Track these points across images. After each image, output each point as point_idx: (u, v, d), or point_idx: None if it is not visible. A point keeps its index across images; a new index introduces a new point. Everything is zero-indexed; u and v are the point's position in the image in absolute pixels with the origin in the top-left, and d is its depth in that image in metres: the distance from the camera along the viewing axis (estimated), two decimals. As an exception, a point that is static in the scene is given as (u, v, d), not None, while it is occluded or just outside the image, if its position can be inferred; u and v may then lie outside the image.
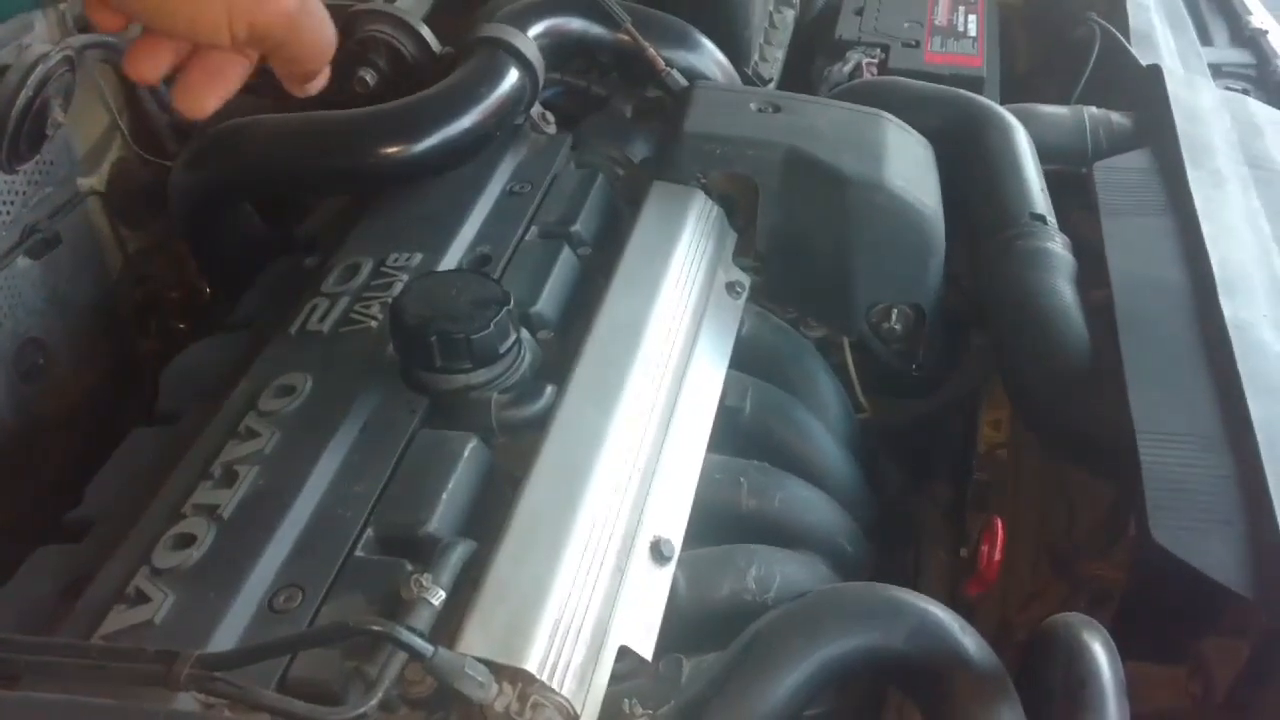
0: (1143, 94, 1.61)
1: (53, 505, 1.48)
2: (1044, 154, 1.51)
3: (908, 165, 1.39)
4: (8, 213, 1.44)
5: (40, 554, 1.05)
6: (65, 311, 1.57)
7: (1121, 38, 1.80)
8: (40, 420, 1.51)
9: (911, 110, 1.51)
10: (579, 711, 0.86)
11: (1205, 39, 2.03)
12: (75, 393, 1.58)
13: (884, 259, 1.36)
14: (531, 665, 0.85)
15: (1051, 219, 1.38)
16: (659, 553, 1.02)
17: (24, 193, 1.46)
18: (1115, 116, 1.60)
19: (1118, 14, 1.89)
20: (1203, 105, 1.56)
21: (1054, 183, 1.47)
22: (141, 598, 0.91)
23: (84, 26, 1.51)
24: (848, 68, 1.79)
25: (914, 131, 1.47)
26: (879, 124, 1.44)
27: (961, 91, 1.61)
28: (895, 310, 1.39)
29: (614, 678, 0.92)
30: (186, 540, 0.95)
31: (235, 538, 0.96)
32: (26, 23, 1.40)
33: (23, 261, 1.48)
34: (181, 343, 1.64)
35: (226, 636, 0.88)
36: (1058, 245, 1.33)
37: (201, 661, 0.80)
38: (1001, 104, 1.59)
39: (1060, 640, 0.88)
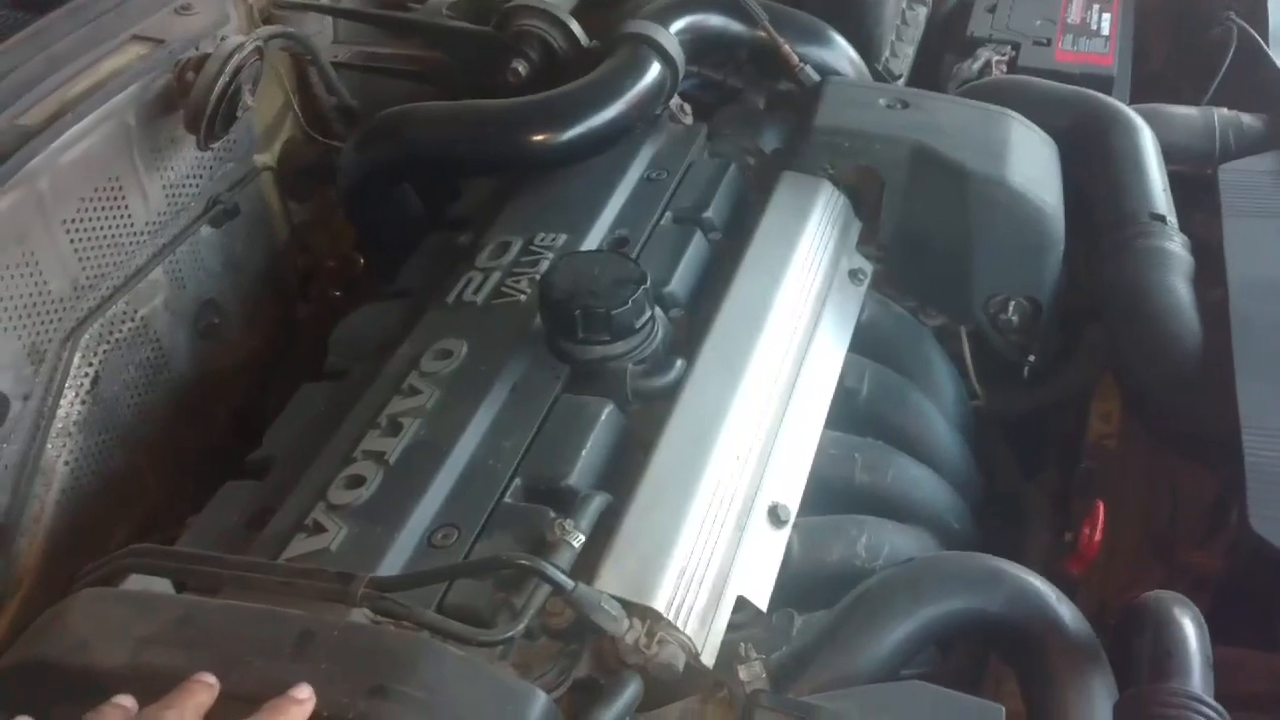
0: (1277, 96, 1.61)
1: (224, 449, 1.65)
2: (1170, 154, 1.54)
3: (1030, 163, 1.44)
4: (196, 185, 1.59)
5: (227, 489, 1.19)
6: (238, 277, 1.72)
7: (1260, 39, 1.80)
8: (214, 374, 1.67)
9: (1038, 109, 1.56)
10: (699, 650, 0.96)
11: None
12: (244, 350, 1.74)
13: (1003, 253, 1.41)
14: (660, 605, 0.95)
15: (1172, 219, 1.41)
16: (776, 516, 1.11)
17: (211, 167, 1.61)
18: (1246, 118, 1.61)
19: (1258, 14, 1.88)
20: (1339, 110, 1.57)
21: (1180, 183, 1.50)
22: (319, 528, 1.04)
23: (268, 18, 1.66)
24: (977, 65, 1.83)
25: (1038, 130, 1.51)
26: (1004, 122, 1.49)
27: (1088, 91, 1.64)
28: (1013, 302, 1.44)
29: (731, 626, 1.01)
30: (357, 481, 1.08)
31: (400, 481, 1.08)
32: (223, 16, 1.55)
33: (205, 230, 1.63)
34: (337, 309, 1.79)
35: (392, 566, 1.00)
36: (1176, 245, 1.36)
37: (374, 583, 0.92)
38: (1131, 103, 1.62)
39: (1151, 612, 0.93)
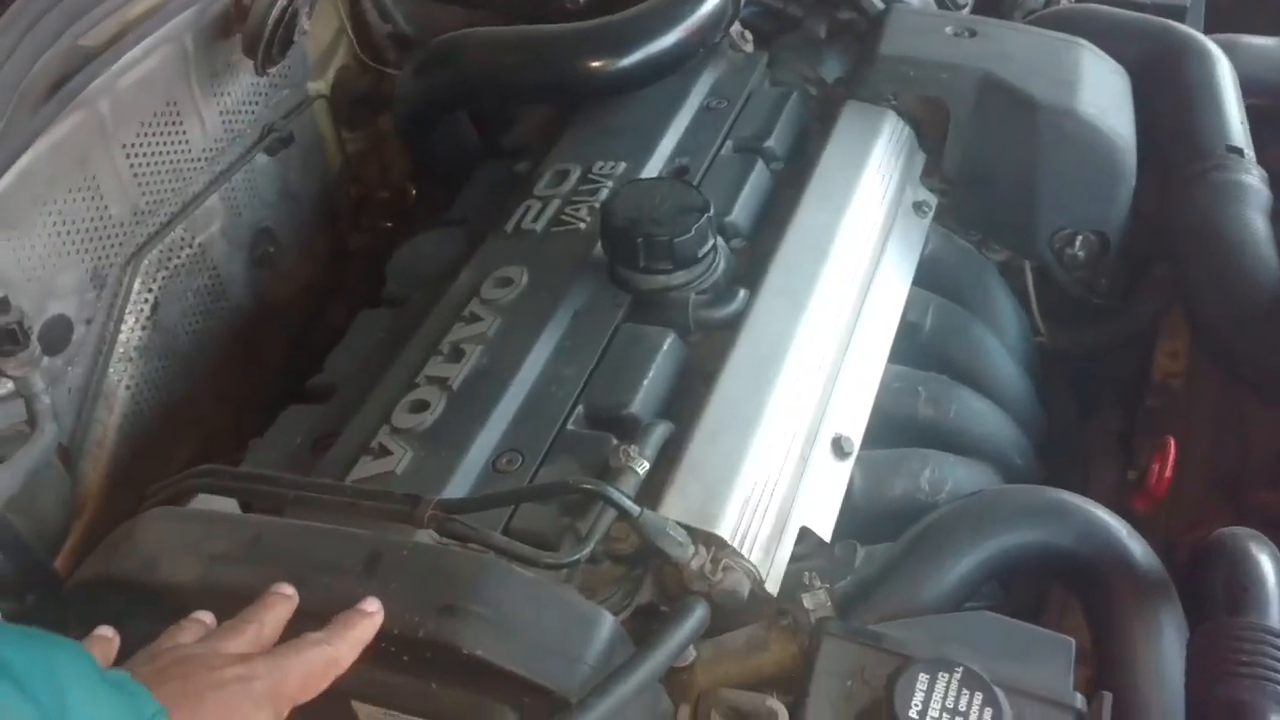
0: (1359, 27, 1.56)
1: (277, 377, 1.67)
2: (1248, 87, 1.49)
3: (1101, 93, 1.40)
4: (252, 112, 1.58)
5: (290, 412, 1.20)
6: (293, 205, 1.71)
7: (1340, -33, 1.74)
8: (269, 302, 1.67)
9: (1108, 38, 1.51)
10: (763, 578, 0.95)
11: None
12: (298, 279, 1.74)
13: (1072, 186, 1.38)
14: (724, 532, 0.95)
15: (1249, 152, 1.37)
16: (839, 448, 1.10)
17: (266, 94, 1.60)
18: (1326, 50, 1.56)
19: (1338, -59, 1.81)
20: None
21: (1257, 117, 1.45)
22: (384, 451, 1.04)
23: (323, -60, 1.64)
24: (1045, -8, 1.78)
25: (1110, 59, 1.47)
26: (1074, 51, 1.44)
27: (1161, 20, 1.59)
28: (1079, 237, 1.41)
29: (794, 556, 1.01)
30: (421, 406, 1.08)
31: (463, 406, 1.08)
32: (279, -62, 1.53)
33: (261, 157, 1.62)
34: (388, 239, 1.79)
35: (457, 489, 1.01)
36: (1253, 178, 1.32)
37: (441, 505, 0.92)
38: (1205, 34, 1.57)
39: (1226, 547, 0.92)
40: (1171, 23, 1.58)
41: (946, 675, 0.81)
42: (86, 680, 0.61)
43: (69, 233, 1.29)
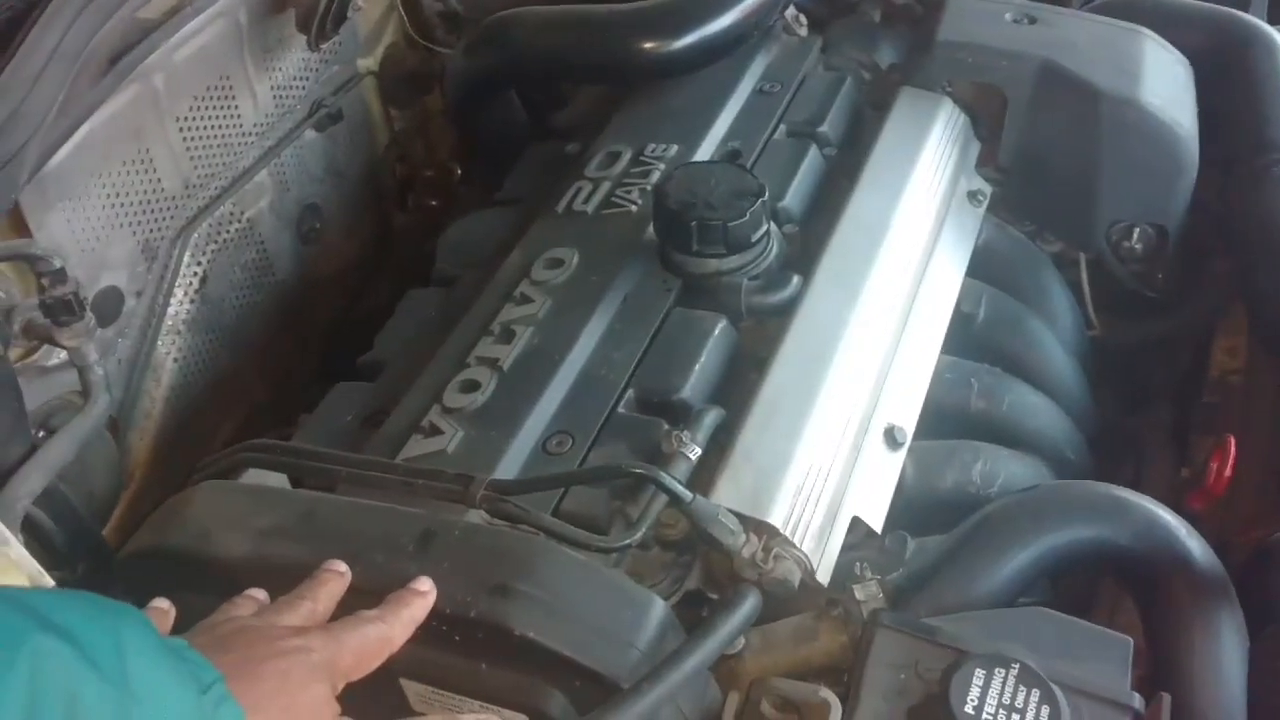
0: None
1: (322, 352, 1.67)
2: (1314, 79, 1.45)
3: (1164, 83, 1.38)
4: (303, 88, 1.58)
5: (339, 389, 1.20)
6: (340, 182, 1.71)
7: None
8: (314, 279, 1.68)
9: (1171, 27, 1.48)
10: (815, 567, 0.95)
11: None
12: (343, 256, 1.74)
13: (1132, 177, 1.35)
14: (777, 520, 0.94)
15: (1316, 146, 1.34)
16: (892, 438, 1.09)
17: (316, 70, 1.60)
18: (1395, 42, 1.52)
19: None
20: None
21: (1323, 109, 1.42)
22: (435, 430, 1.04)
23: (377, -82, 1.64)
24: (1105, -20, 1.74)
25: (1173, 49, 1.44)
26: (1137, 40, 1.42)
27: (1226, 9, 1.56)
28: (1137, 230, 1.38)
29: (844, 546, 1.00)
30: (472, 386, 1.08)
31: (514, 387, 1.07)
32: (334, -87, 1.52)
33: (309, 133, 1.62)
34: (432, 219, 1.79)
35: (507, 470, 1.00)
36: (1320, 174, 1.29)
37: (494, 486, 0.92)
38: (1270, 23, 1.54)
39: (1291, 550, 0.90)
40: (1236, 12, 1.55)
41: (1003, 671, 0.80)
42: (148, 648, 0.61)
43: (122, 205, 1.29)
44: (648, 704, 0.78)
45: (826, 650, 0.93)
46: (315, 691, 0.72)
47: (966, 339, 1.25)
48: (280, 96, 1.54)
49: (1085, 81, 1.33)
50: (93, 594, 0.64)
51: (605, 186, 1.31)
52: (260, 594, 0.82)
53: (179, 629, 0.80)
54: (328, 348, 1.69)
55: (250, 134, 1.49)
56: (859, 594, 0.93)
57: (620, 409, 1.06)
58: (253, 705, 0.65)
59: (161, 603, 0.81)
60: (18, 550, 0.88)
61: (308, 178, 1.64)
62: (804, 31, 1.57)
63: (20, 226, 1.16)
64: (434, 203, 1.93)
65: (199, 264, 1.43)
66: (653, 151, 1.34)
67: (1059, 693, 0.79)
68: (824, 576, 0.96)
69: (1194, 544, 0.95)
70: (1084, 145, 1.35)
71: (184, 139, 1.37)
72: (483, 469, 0.98)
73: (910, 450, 1.10)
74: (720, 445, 1.01)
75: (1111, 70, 1.35)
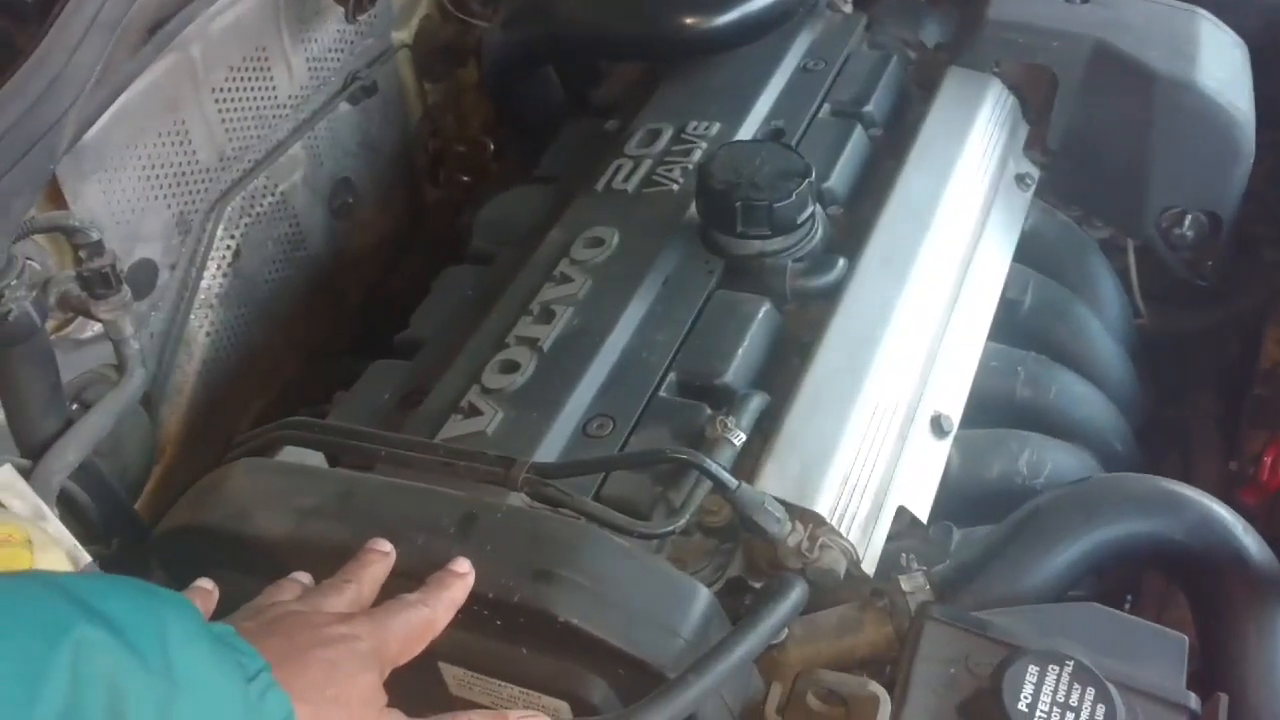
0: None
1: (353, 328, 1.66)
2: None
3: (1221, 66, 1.34)
4: (338, 60, 1.56)
5: (377, 367, 1.18)
6: (373, 156, 1.70)
7: None
8: (347, 254, 1.66)
9: (1226, 8, 1.44)
10: (860, 557, 0.93)
11: None
12: (375, 231, 1.72)
13: (1186, 163, 1.32)
14: (823, 509, 0.92)
15: (1375, 133, 1.30)
16: (939, 426, 1.06)
17: (351, 42, 1.58)
18: None
19: None
20: None
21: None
22: (474, 411, 1.03)
23: (413, -112, 1.61)
24: (1157, -41, 1.70)
25: (1230, 31, 1.40)
26: (1193, 21, 1.38)
27: (1283, -8, 1.52)
28: (1189, 217, 1.35)
29: (889, 536, 0.98)
30: (512, 366, 1.06)
31: (554, 368, 1.05)
32: (375, -116, 1.50)
33: (344, 107, 1.60)
34: (464, 194, 1.77)
35: (547, 453, 0.98)
36: (1381, 161, 1.26)
37: (535, 469, 0.90)
38: (1329, 6, 1.50)
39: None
40: (1294, -6, 1.51)
41: (1057, 668, 0.78)
42: (193, 637, 0.60)
43: (157, 177, 1.28)
44: (694, 694, 0.76)
45: (871, 642, 0.91)
46: (364, 681, 0.70)
47: (1012, 326, 1.23)
48: (315, 69, 1.52)
49: (1139, 63, 1.30)
50: (137, 580, 0.63)
51: (646, 165, 1.28)
52: (305, 577, 0.81)
53: (219, 609, 0.79)
54: (359, 323, 1.68)
55: (285, 106, 1.48)
56: (905, 585, 0.92)
57: (662, 392, 1.04)
58: (299, 694, 0.64)
59: (205, 583, 0.80)
60: (55, 525, 0.88)
61: (341, 151, 1.62)
62: (849, 8, 1.54)
63: (56, 198, 1.14)
64: (466, 178, 1.91)
65: (233, 237, 1.42)
66: (694, 129, 1.32)
67: (1114, 691, 0.77)
68: (869, 567, 0.94)
69: (1250, 540, 0.93)
70: (1136, 129, 1.32)
71: (219, 110, 1.36)
72: (522, 451, 0.96)
73: (956, 439, 1.08)
74: (764, 431, 0.99)
75: (1167, 52, 1.32)
